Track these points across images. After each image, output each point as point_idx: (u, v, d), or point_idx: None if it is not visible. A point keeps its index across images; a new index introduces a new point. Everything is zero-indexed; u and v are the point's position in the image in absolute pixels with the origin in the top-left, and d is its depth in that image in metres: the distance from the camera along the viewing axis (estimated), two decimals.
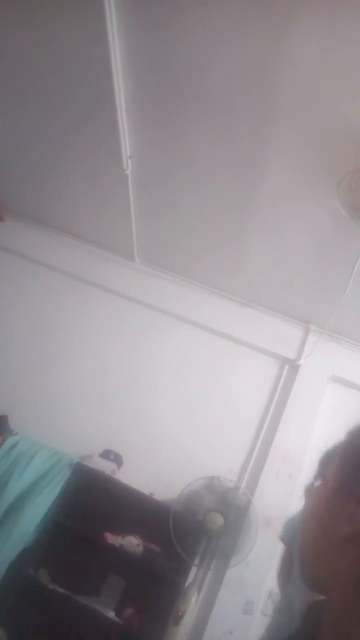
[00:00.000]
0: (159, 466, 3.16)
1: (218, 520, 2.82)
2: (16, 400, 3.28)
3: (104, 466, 3.05)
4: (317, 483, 0.68)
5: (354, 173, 2.09)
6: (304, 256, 3.00)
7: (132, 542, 2.81)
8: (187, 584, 2.76)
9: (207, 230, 3.17)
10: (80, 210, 3.60)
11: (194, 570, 2.81)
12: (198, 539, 2.82)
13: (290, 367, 3.54)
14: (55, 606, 2.65)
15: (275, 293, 3.50)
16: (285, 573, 0.77)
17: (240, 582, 2.83)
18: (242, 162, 2.56)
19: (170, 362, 3.55)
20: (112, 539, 2.82)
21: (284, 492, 3.00)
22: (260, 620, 2.76)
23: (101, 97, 2.43)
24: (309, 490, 0.69)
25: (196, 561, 2.80)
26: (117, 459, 3.14)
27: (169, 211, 3.16)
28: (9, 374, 3.42)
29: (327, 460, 0.68)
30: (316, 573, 0.62)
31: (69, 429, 3.25)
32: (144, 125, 2.58)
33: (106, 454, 3.13)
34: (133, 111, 2.49)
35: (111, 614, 2.69)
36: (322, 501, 0.64)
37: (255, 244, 3.09)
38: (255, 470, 3.19)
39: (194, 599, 2.69)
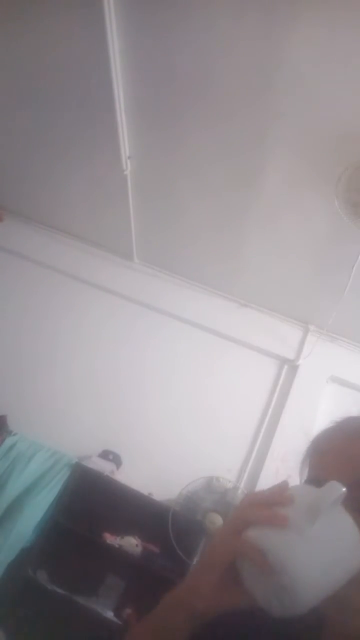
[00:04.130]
0: (158, 466, 3.15)
1: (217, 520, 2.81)
2: (15, 400, 3.27)
3: (103, 466, 3.05)
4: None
5: (353, 170, 2.10)
6: (304, 256, 3.01)
7: (131, 543, 2.81)
8: None
9: (206, 230, 3.17)
10: (79, 211, 3.60)
11: None
12: (197, 539, 2.82)
13: (289, 368, 3.54)
14: (54, 606, 2.65)
15: (274, 293, 3.50)
16: None
17: None
18: (241, 161, 2.56)
19: (169, 362, 3.55)
20: (111, 539, 2.82)
21: None
22: None
23: (101, 98, 2.44)
24: None
25: (195, 561, 2.80)
26: (116, 459, 3.13)
27: (168, 211, 3.16)
28: (8, 374, 3.41)
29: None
30: None
31: (68, 429, 3.24)
32: (143, 126, 2.58)
33: (105, 454, 3.13)
34: (132, 112, 2.49)
35: (110, 614, 2.69)
36: None
37: (254, 243, 3.09)
38: (254, 470, 3.19)
39: None
